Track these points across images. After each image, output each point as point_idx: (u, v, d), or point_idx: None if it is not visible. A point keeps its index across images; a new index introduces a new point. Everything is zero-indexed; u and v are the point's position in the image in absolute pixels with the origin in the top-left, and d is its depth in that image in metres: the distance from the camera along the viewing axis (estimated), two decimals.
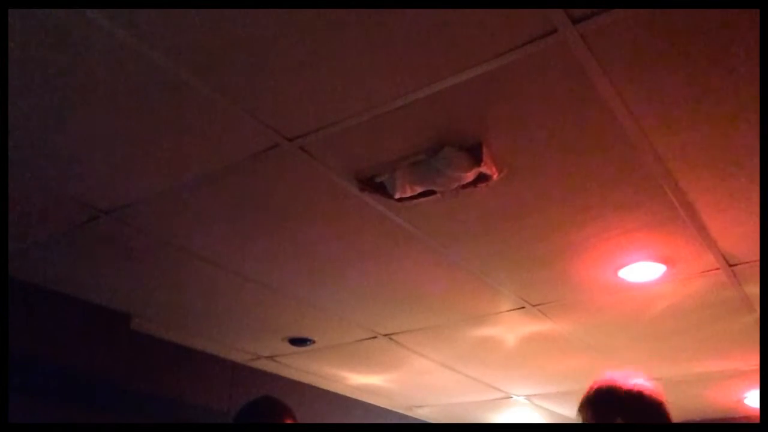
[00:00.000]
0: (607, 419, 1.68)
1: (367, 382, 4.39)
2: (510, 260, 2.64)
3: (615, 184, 2.09)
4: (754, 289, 2.82)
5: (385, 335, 3.51)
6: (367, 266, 2.71)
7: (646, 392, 1.72)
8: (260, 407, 2.38)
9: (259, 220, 2.36)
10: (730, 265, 2.62)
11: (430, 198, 2.11)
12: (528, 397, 4.66)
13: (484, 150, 1.90)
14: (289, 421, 2.30)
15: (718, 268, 2.64)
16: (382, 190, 2.09)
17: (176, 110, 1.79)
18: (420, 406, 5.03)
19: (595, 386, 1.77)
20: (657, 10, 1.43)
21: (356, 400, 4.75)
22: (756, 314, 3.05)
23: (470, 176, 1.97)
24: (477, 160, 1.90)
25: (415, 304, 3.09)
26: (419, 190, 2.06)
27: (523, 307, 3.10)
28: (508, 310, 3.14)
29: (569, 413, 5.13)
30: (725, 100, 1.71)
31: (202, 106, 1.76)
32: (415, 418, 5.26)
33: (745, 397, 4.46)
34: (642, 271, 2.67)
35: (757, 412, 4.60)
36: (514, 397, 4.66)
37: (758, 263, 2.57)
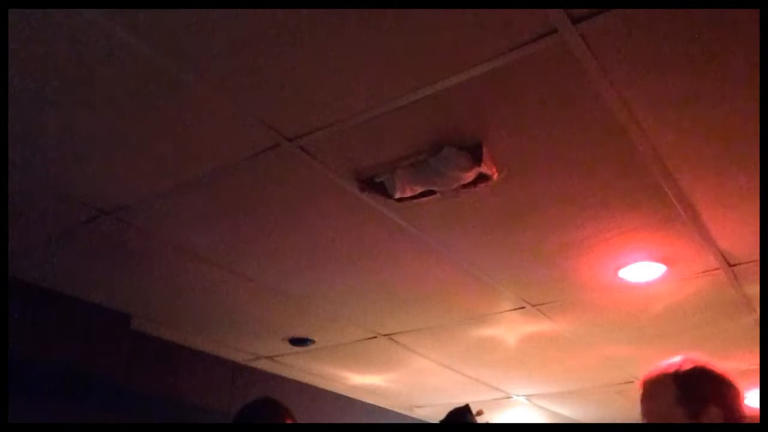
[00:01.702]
0: (701, 403, 1.53)
1: (367, 382, 4.39)
2: (510, 260, 2.64)
3: (615, 184, 2.09)
4: (754, 289, 2.82)
5: (385, 335, 3.51)
6: (367, 266, 2.71)
7: (733, 381, 1.60)
8: (259, 408, 2.38)
9: (259, 220, 2.36)
10: (730, 265, 2.62)
11: (430, 198, 2.11)
12: (528, 397, 4.65)
13: (484, 150, 1.90)
14: (288, 422, 2.30)
15: (718, 268, 2.64)
16: (382, 190, 2.09)
17: (176, 110, 1.79)
18: (420, 406, 5.03)
19: (687, 364, 1.59)
20: (657, 10, 1.43)
21: (356, 400, 4.75)
22: (756, 314, 3.05)
23: (470, 176, 1.97)
24: (477, 160, 1.90)
25: (415, 304, 3.09)
26: (419, 190, 2.06)
27: (523, 307, 3.10)
28: (508, 310, 3.14)
29: (569, 413, 5.13)
30: (725, 100, 1.70)
31: (202, 106, 1.76)
32: (415, 418, 5.26)
33: (745, 397, 4.45)
34: (642, 271, 2.67)
35: (757, 412, 4.60)
36: (514, 397, 4.66)
37: (758, 263, 2.57)
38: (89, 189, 2.18)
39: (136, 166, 2.05)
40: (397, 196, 2.09)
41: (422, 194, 2.09)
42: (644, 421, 1.62)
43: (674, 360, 1.62)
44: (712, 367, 1.60)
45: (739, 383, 1.62)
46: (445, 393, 4.61)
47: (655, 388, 1.61)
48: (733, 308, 3.01)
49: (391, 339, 3.55)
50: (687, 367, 1.59)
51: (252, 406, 2.39)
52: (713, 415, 1.54)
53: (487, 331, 3.41)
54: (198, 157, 2.00)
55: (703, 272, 2.68)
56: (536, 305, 3.07)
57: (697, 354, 1.63)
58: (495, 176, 2.00)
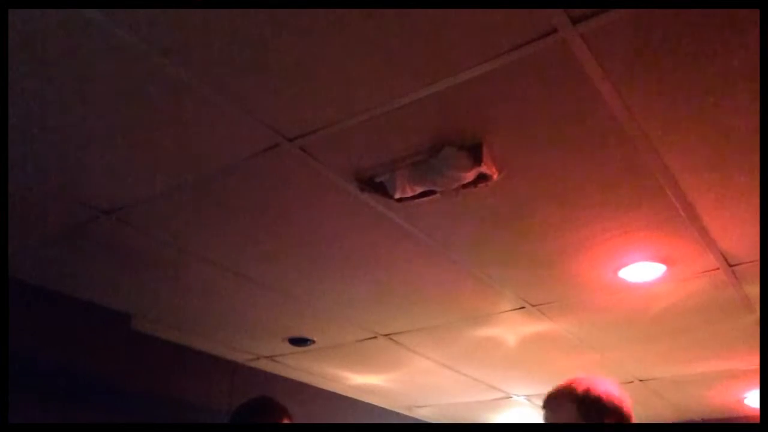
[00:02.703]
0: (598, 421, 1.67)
1: (367, 382, 4.39)
2: (510, 260, 2.64)
3: (615, 184, 2.09)
4: (754, 289, 2.82)
5: (385, 335, 3.51)
6: (367, 266, 2.71)
7: (627, 405, 1.72)
8: (257, 407, 2.38)
9: (259, 220, 2.36)
10: (730, 265, 2.62)
11: (430, 198, 2.11)
12: (528, 397, 4.66)
13: (484, 150, 1.90)
14: (286, 422, 2.31)
15: (718, 268, 2.64)
16: (382, 190, 2.09)
17: (176, 110, 1.79)
18: (420, 406, 5.03)
19: (584, 386, 1.74)
20: (657, 10, 1.43)
21: (356, 400, 4.75)
22: (756, 314, 3.05)
23: (470, 176, 1.97)
24: (477, 160, 1.90)
25: (415, 304, 3.09)
26: (419, 190, 2.06)
27: (523, 307, 3.10)
28: (508, 310, 3.14)
29: None
30: (725, 100, 1.71)
31: (202, 106, 1.76)
32: (415, 418, 5.26)
33: (745, 397, 4.46)
34: (642, 271, 2.67)
35: (757, 412, 4.60)
36: (514, 397, 4.66)
37: (758, 263, 2.57)
38: (89, 189, 2.18)
39: (136, 167, 2.05)
40: (397, 196, 2.08)
41: (422, 194, 2.09)
42: None
43: (575, 380, 1.77)
44: (608, 390, 1.72)
45: (631, 407, 1.72)
46: (445, 393, 4.61)
47: (554, 406, 1.77)
48: (733, 308, 3.01)
49: (391, 339, 3.55)
50: (584, 387, 1.72)
51: (249, 405, 2.40)
52: None
53: (487, 331, 3.41)
54: (198, 157, 2.00)
55: (703, 272, 2.68)
56: (536, 305, 3.07)
57: (600, 378, 1.76)
58: (495, 176, 2.00)
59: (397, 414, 5.10)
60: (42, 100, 1.75)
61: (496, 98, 1.72)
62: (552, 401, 1.79)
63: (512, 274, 2.76)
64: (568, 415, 1.70)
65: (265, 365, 4.05)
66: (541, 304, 3.06)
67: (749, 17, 1.44)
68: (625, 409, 1.71)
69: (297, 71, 1.63)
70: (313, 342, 3.62)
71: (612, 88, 1.66)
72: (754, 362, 3.71)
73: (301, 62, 1.60)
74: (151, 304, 3.15)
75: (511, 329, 3.38)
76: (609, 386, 1.73)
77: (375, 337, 3.54)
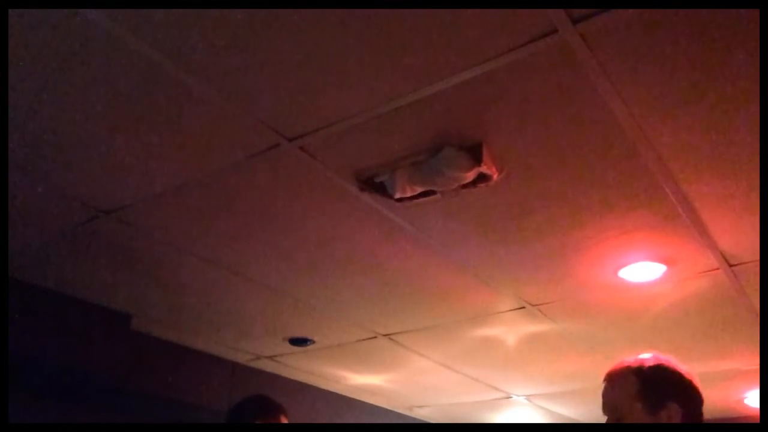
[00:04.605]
0: (661, 400, 1.56)
1: (367, 382, 4.39)
2: (510, 260, 2.64)
3: (615, 184, 2.09)
4: (754, 289, 2.81)
5: (385, 335, 3.51)
6: (366, 266, 2.71)
7: (696, 382, 1.62)
8: (254, 406, 2.38)
9: (259, 220, 2.36)
10: (730, 265, 2.62)
11: (430, 198, 2.11)
12: (528, 397, 4.66)
13: (484, 150, 1.90)
14: (283, 419, 2.31)
15: (718, 268, 2.64)
16: (382, 190, 2.09)
17: (176, 110, 1.79)
18: (420, 406, 5.03)
19: (652, 361, 1.62)
20: (657, 10, 1.43)
21: (356, 400, 4.75)
22: (756, 314, 3.05)
23: (470, 176, 1.97)
24: (477, 160, 1.90)
25: (415, 304, 3.09)
26: (419, 190, 2.06)
27: (523, 307, 3.10)
28: (508, 310, 3.14)
29: (569, 413, 5.13)
30: (725, 100, 1.70)
31: (202, 106, 1.76)
32: (415, 418, 5.26)
33: (745, 397, 4.46)
34: (642, 271, 2.67)
35: (757, 412, 4.60)
36: (514, 397, 4.66)
37: (758, 263, 2.57)
38: (89, 189, 2.18)
39: (136, 166, 2.05)
40: (397, 196, 2.09)
41: (422, 194, 2.09)
42: (604, 413, 1.65)
43: (640, 356, 1.66)
44: (676, 367, 1.63)
45: (699, 385, 1.64)
46: (445, 393, 4.61)
47: (617, 380, 1.65)
48: (733, 308, 3.01)
49: (391, 339, 3.55)
50: (651, 363, 1.62)
51: (245, 403, 2.40)
52: (673, 412, 1.55)
53: (487, 331, 3.41)
54: (198, 157, 2.00)
55: (703, 272, 2.68)
56: (536, 305, 3.07)
57: (665, 353, 1.67)
58: (495, 176, 2.00)
59: (397, 414, 5.10)
60: (42, 100, 1.75)
61: (496, 98, 1.72)
62: (615, 374, 1.66)
63: (512, 274, 2.76)
64: (629, 391, 1.59)
65: (265, 365, 4.05)
66: (541, 304, 3.06)
67: (749, 17, 1.44)
68: (694, 392, 1.61)
69: (297, 71, 1.63)
70: (313, 342, 3.62)
71: (612, 88, 1.66)
72: (754, 362, 3.71)
73: (301, 62, 1.60)
74: (151, 304, 3.15)
75: (511, 329, 3.38)
76: (680, 366, 1.62)
77: (375, 337, 3.54)
